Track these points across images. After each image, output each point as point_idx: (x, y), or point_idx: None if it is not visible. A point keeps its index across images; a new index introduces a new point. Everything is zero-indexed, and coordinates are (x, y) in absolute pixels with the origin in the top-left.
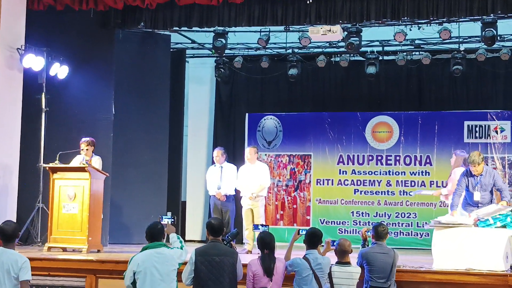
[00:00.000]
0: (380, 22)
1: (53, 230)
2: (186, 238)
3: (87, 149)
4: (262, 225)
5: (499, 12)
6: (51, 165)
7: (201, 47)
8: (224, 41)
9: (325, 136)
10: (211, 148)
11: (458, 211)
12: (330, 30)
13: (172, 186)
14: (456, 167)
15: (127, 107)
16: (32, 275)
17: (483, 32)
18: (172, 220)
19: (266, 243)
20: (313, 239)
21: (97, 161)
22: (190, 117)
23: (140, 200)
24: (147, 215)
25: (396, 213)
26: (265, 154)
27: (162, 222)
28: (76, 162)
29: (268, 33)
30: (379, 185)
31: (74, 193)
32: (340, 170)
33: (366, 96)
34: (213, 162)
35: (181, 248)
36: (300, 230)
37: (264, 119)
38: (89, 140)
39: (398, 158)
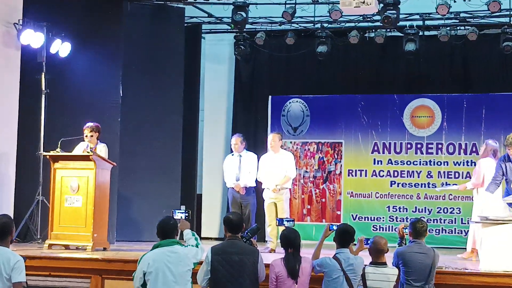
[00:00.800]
0: None
1: (54, 226)
2: (202, 235)
3: (91, 136)
4: (287, 220)
5: None
6: (52, 153)
7: (218, 21)
8: (244, 15)
9: (357, 122)
10: (229, 134)
11: (499, 205)
12: (364, 2)
13: (186, 178)
14: (483, 158)
15: (136, 89)
16: (31, 275)
17: None
18: (186, 214)
19: (290, 240)
20: (344, 236)
21: (102, 149)
22: (206, 100)
23: (151, 193)
24: (159, 210)
25: (437, 208)
26: (290, 142)
27: (175, 217)
28: (79, 150)
29: (294, 5)
30: (418, 177)
31: (78, 184)
32: (374, 159)
33: (404, 77)
34: (231, 151)
35: (197, 246)
36: (331, 226)
37: (289, 103)
38: (94, 126)
39: (440, 146)
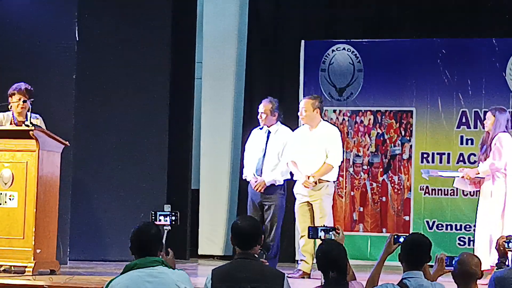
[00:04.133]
0: None
1: None
2: (200, 252)
3: (22, 106)
4: (326, 229)
5: None
6: None
7: None
8: None
9: (436, 79)
10: (240, 101)
11: None
12: None
13: (176, 166)
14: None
15: (101, 30)
16: None
17: None
18: (173, 219)
19: (332, 260)
20: (415, 253)
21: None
22: (205, 48)
23: (123, 189)
24: (135, 213)
25: None
26: (334, 111)
27: (157, 223)
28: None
29: None
30: None
31: (11, 174)
32: (462, 137)
33: (506, 12)
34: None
35: None
36: (396, 238)
37: (332, 51)
38: (26, 89)
39: None
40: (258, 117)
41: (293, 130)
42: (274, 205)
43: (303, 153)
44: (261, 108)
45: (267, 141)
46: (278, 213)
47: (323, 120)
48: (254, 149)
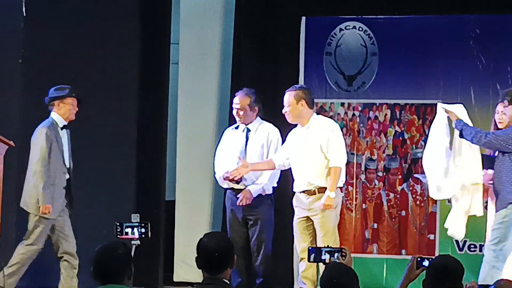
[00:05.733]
0: None
1: None
2: (175, 279)
3: None
4: (331, 251)
5: None
6: None
7: None
8: None
9: (468, 65)
10: (226, 92)
11: None
12: None
13: (146, 172)
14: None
15: (54, 4)
16: None
17: None
18: (143, 231)
19: (339, 287)
20: (444, 280)
21: None
22: (183, 27)
23: (82, 198)
24: (95, 229)
25: None
26: (342, 104)
27: (122, 237)
28: None
29: None
30: None
31: None
32: None
33: None
34: (233, 121)
35: None
36: (420, 261)
37: (340, 30)
38: None
39: None
40: (234, 113)
41: (289, 131)
42: (260, 219)
43: (296, 157)
44: (237, 103)
45: (246, 142)
46: (266, 228)
47: (321, 114)
48: (230, 153)
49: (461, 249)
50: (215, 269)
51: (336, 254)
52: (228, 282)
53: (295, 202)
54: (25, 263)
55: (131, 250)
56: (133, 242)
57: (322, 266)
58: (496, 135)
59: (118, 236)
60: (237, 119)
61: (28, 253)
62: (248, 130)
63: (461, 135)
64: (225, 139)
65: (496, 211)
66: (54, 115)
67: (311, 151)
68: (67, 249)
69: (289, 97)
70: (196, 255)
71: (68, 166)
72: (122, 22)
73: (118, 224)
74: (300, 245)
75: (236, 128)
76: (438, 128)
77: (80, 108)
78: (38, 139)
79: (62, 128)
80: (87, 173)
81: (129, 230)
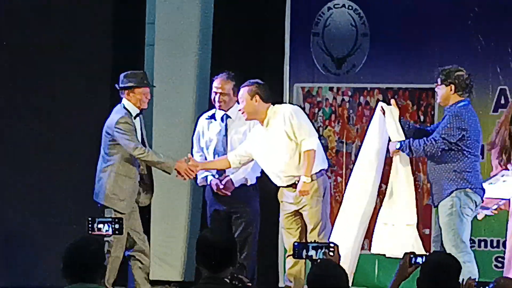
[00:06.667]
0: None
1: None
2: (151, 277)
3: None
4: (317, 246)
5: None
6: None
7: None
8: None
9: (466, 47)
10: (206, 76)
11: None
12: None
13: None
14: None
15: None
16: None
17: None
18: (116, 227)
19: (328, 286)
20: (439, 278)
21: None
22: (159, 5)
23: (50, 192)
24: (65, 224)
25: None
26: (330, 89)
27: (94, 233)
28: None
29: None
30: None
31: None
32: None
33: None
34: (209, 107)
35: None
36: (413, 259)
37: (329, 9)
38: None
39: None
40: (215, 99)
41: None
42: (246, 212)
43: (267, 156)
44: (218, 87)
45: (226, 130)
46: (252, 222)
47: (303, 100)
48: (209, 142)
49: None
50: (217, 268)
51: (323, 250)
52: (228, 282)
53: (280, 196)
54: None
55: (104, 247)
56: (106, 238)
57: (309, 265)
58: (441, 135)
59: (90, 232)
60: (216, 105)
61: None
62: (228, 117)
63: (410, 153)
64: (201, 127)
65: (437, 202)
66: (126, 102)
67: (280, 145)
68: (140, 247)
69: (243, 93)
70: (173, 254)
71: None
72: (96, 1)
73: (90, 219)
74: (288, 240)
75: (211, 117)
76: (373, 130)
77: (51, 92)
78: (119, 128)
79: (135, 117)
80: (60, 163)
81: (101, 226)
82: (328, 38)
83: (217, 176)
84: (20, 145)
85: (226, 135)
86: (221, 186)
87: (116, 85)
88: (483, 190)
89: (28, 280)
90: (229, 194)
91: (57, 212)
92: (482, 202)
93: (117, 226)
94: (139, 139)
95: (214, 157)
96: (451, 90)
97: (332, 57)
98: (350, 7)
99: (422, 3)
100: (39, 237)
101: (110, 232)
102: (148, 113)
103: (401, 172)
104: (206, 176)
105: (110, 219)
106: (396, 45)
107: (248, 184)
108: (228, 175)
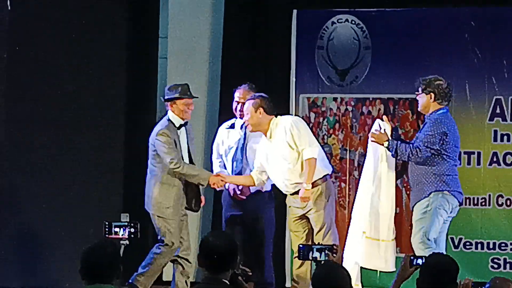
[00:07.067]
0: None
1: None
2: (164, 278)
3: None
4: (322, 248)
5: None
6: None
7: None
8: None
9: (463, 58)
10: (216, 87)
11: None
12: None
13: (134, 168)
14: None
15: None
16: None
17: None
18: (132, 231)
19: (330, 286)
20: (438, 279)
21: None
22: (172, 20)
23: (67, 197)
24: (82, 228)
25: None
26: (334, 99)
27: (110, 237)
28: None
29: None
30: None
31: None
32: (495, 132)
33: None
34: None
35: None
36: (414, 260)
37: (332, 24)
38: None
39: None
40: (237, 108)
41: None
42: (260, 217)
43: (272, 166)
44: (240, 97)
45: (244, 140)
46: (266, 228)
47: (308, 109)
48: (228, 150)
49: (456, 247)
50: (217, 269)
51: (326, 251)
52: (228, 283)
53: (288, 202)
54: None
55: (120, 250)
56: (122, 242)
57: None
58: (424, 143)
59: (107, 235)
60: (237, 114)
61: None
62: (246, 128)
63: (396, 156)
64: (221, 137)
65: (414, 203)
66: (170, 114)
67: (283, 155)
68: (185, 254)
69: (248, 106)
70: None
71: None
72: (111, 16)
73: (107, 223)
74: (295, 243)
75: (231, 126)
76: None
77: (68, 103)
78: (159, 140)
79: (179, 128)
80: (76, 170)
81: (117, 229)
82: (332, 51)
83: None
84: (38, 151)
85: (244, 143)
86: (238, 192)
87: (161, 98)
88: (461, 193)
89: (44, 279)
90: (245, 198)
91: (75, 216)
92: (460, 205)
93: (132, 230)
94: (182, 150)
95: (232, 164)
96: (431, 98)
97: (336, 69)
98: (353, 22)
99: (421, 18)
100: (58, 242)
101: (125, 235)
102: None
103: (384, 181)
104: None
105: (126, 224)
106: (396, 57)
107: (263, 191)
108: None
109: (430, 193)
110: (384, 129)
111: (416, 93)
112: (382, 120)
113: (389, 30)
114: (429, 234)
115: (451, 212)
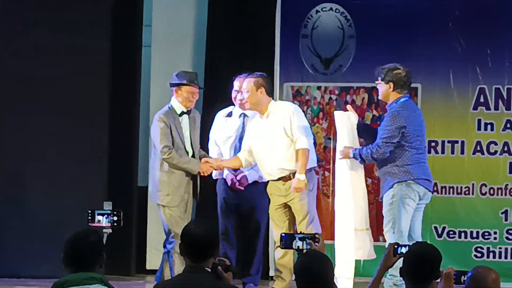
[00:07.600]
0: None
1: None
2: (148, 267)
3: None
4: (305, 237)
5: None
6: None
7: None
8: None
9: (447, 48)
10: (200, 75)
11: None
12: None
13: (118, 157)
14: None
15: None
16: None
17: None
18: (115, 219)
19: (313, 275)
20: (421, 267)
21: None
22: (156, 8)
23: (51, 186)
24: (65, 216)
25: None
26: (318, 88)
27: (93, 225)
28: None
29: None
30: None
31: None
32: (479, 121)
33: None
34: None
35: None
36: (397, 248)
37: (317, 12)
38: None
39: None
40: (237, 97)
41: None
42: (255, 207)
43: (262, 148)
44: (237, 86)
45: (243, 129)
46: (259, 218)
47: (293, 98)
48: (225, 139)
49: (439, 236)
50: (198, 257)
51: (308, 240)
52: (209, 271)
53: (270, 190)
54: None
55: (103, 238)
56: (104, 230)
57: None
58: (382, 139)
59: (90, 223)
60: (236, 103)
61: None
62: (245, 116)
63: (362, 161)
64: (218, 124)
65: (382, 195)
66: (173, 101)
67: (276, 138)
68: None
69: (248, 83)
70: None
71: (190, 152)
72: (94, 3)
73: (89, 211)
74: (277, 232)
75: (229, 115)
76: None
77: (51, 91)
78: (154, 126)
79: (180, 115)
80: (60, 159)
81: (100, 218)
82: (316, 40)
83: (233, 172)
84: (25, 139)
85: (242, 132)
86: (236, 182)
87: (168, 83)
88: (429, 180)
89: (26, 269)
90: (243, 188)
91: (58, 204)
92: (432, 193)
93: (115, 218)
94: (185, 138)
95: (232, 152)
96: (390, 87)
97: (320, 57)
98: (337, 10)
99: (405, 7)
100: (43, 229)
101: (108, 223)
102: (145, 111)
103: (354, 176)
104: (222, 171)
105: (109, 212)
106: (380, 46)
107: (260, 181)
108: (243, 172)
109: (393, 184)
110: (348, 120)
111: (376, 82)
112: (346, 110)
113: (373, 19)
114: (400, 224)
115: (420, 200)
